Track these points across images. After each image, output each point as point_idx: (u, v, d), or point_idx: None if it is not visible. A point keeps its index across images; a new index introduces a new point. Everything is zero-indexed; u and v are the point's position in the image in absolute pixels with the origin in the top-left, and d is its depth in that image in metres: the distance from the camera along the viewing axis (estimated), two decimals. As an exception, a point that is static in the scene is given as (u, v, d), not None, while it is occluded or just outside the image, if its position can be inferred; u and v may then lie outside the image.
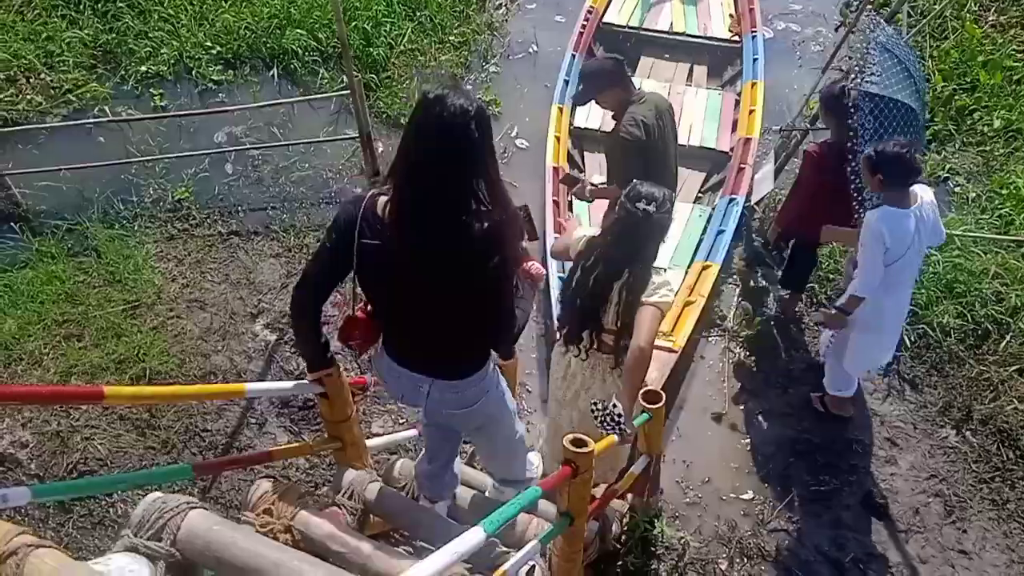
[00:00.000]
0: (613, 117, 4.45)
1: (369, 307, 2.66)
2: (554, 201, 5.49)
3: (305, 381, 2.94)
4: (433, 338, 2.60)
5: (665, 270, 3.46)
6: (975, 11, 7.29)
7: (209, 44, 6.92)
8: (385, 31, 7.04)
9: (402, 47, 7.07)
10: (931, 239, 4.08)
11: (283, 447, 2.89)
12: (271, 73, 6.84)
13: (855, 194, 4.18)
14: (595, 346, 3.56)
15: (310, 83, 6.82)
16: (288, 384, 2.97)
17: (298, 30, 6.93)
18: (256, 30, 6.98)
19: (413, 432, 4.18)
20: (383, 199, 2.34)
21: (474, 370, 2.69)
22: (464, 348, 2.65)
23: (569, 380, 3.81)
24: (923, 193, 3.98)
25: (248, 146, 6.22)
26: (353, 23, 6.89)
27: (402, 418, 4.86)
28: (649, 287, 3.31)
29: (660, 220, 3.26)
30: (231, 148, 6.19)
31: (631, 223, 3.25)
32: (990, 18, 7.23)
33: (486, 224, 2.29)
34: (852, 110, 4.01)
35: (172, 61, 6.77)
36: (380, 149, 6.27)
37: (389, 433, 4.60)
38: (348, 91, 5.60)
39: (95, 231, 5.59)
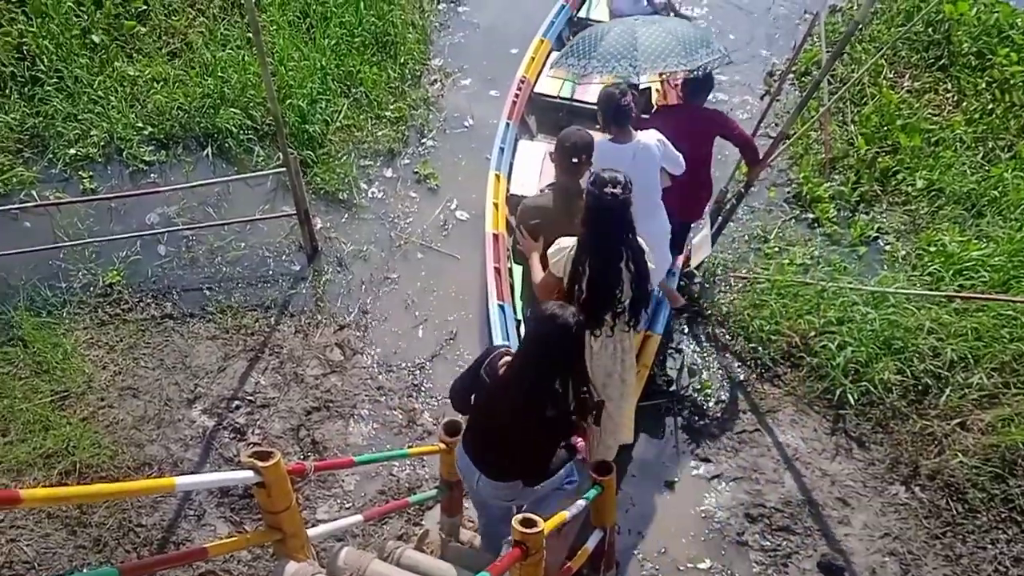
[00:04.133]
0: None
1: None
2: (495, 268, 5.47)
3: (240, 472, 2.78)
4: (491, 449, 3.47)
5: None
6: (891, 78, 7.64)
7: (141, 125, 6.81)
8: (321, 108, 7.04)
9: (338, 123, 7.06)
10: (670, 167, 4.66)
11: (218, 543, 2.71)
12: (205, 152, 6.75)
13: None
14: (615, 323, 3.96)
15: (245, 161, 6.74)
16: (222, 475, 2.80)
17: (232, 109, 6.87)
18: (189, 110, 6.91)
19: (359, 518, 4.01)
20: (506, 359, 3.32)
21: (511, 480, 3.50)
22: (508, 465, 3.48)
23: (595, 358, 4.02)
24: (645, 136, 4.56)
25: (181, 226, 6.07)
26: (288, 101, 6.88)
27: (348, 502, 4.69)
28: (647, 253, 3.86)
29: (627, 199, 3.67)
30: (163, 229, 6.03)
31: (604, 208, 3.65)
32: (905, 84, 7.58)
33: (557, 409, 3.24)
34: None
35: (102, 143, 6.63)
36: (318, 225, 6.20)
37: (335, 519, 4.42)
38: (284, 168, 5.55)
39: (21, 319, 5.35)
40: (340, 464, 4.31)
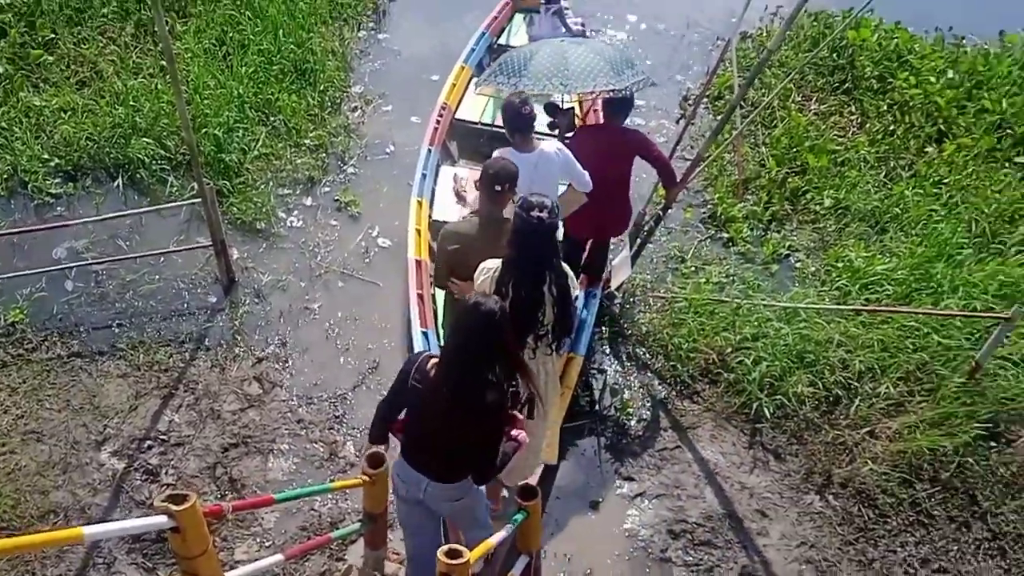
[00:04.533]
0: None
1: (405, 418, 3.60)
2: (418, 295, 5.45)
3: (153, 518, 2.69)
4: (438, 453, 3.46)
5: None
6: (799, 101, 7.92)
7: (47, 156, 6.60)
8: (238, 136, 6.94)
9: (256, 152, 6.97)
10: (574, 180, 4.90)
11: (126, 592, 2.62)
12: (116, 183, 6.58)
13: None
14: (537, 345, 4.02)
15: (159, 192, 6.58)
16: (133, 523, 2.70)
17: (144, 139, 6.72)
18: (99, 140, 6.72)
19: (279, 557, 3.93)
20: (433, 360, 3.37)
21: (460, 479, 3.52)
22: (455, 465, 3.49)
23: None
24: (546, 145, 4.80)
25: (91, 261, 5.89)
26: (203, 130, 6.76)
27: (268, 540, 4.58)
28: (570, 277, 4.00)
29: (553, 223, 3.80)
30: (71, 264, 5.84)
31: (530, 231, 3.76)
32: (812, 107, 7.88)
33: (494, 396, 3.29)
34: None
35: (5, 176, 6.40)
36: (235, 256, 6.09)
37: (255, 559, 4.31)
38: (199, 199, 5.43)
39: (-87, 363, 5.10)
40: (259, 503, 4.21)
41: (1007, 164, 7.14)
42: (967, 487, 4.95)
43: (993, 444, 5.10)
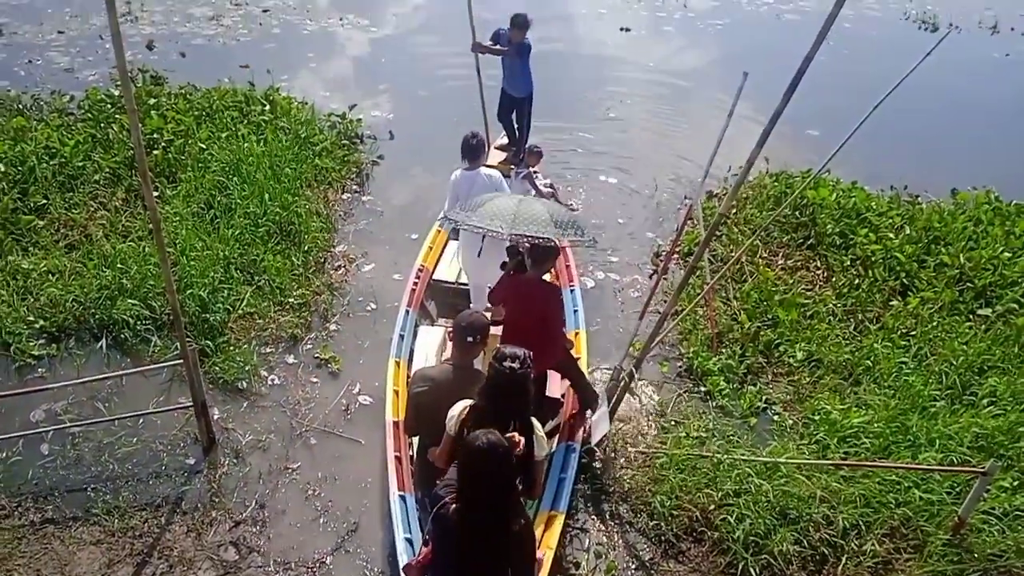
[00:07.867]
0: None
1: (422, 559, 3.82)
2: (396, 457, 5.41)
3: None
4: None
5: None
6: (766, 257, 8.25)
7: (32, 318, 6.68)
8: (223, 296, 7.08)
9: (240, 311, 7.09)
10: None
11: None
12: (99, 344, 6.64)
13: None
14: None
15: (142, 352, 6.64)
16: None
17: (130, 300, 6.84)
18: (84, 301, 6.84)
19: None
20: (454, 507, 3.51)
21: None
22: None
23: None
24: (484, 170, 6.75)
25: (68, 424, 5.83)
26: (189, 290, 6.91)
27: None
28: (536, 435, 4.03)
29: (525, 374, 3.93)
30: (47, 428, 5.78)
31: (502, 380, 3.91)
32: (779, 262, 8.20)
33: (519, 525, 3.57)
34: None
35: (-13, 338, 6.45)
36: (215, 416, 6.07)
37: None
38: (181, 360, 5.47)
39: None
40: None
41: (970, 316, 7.40)
42: (964, 653, 4.81)
43: (986, 605, 5.01)
